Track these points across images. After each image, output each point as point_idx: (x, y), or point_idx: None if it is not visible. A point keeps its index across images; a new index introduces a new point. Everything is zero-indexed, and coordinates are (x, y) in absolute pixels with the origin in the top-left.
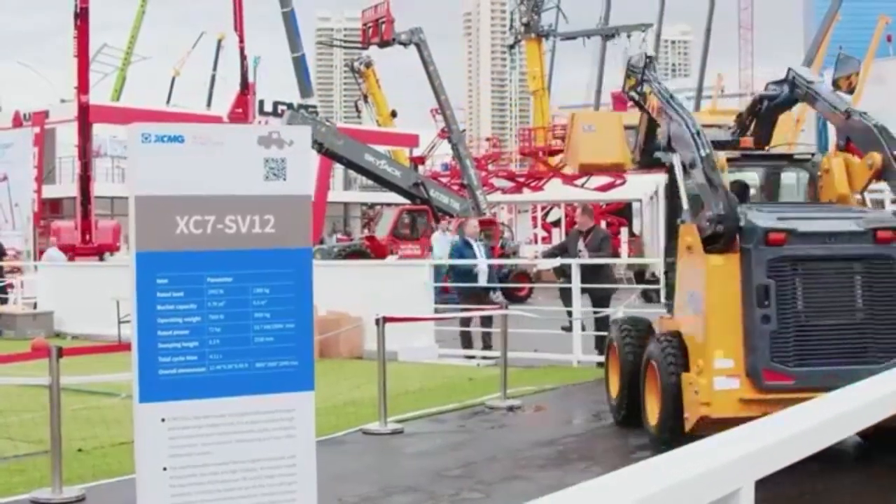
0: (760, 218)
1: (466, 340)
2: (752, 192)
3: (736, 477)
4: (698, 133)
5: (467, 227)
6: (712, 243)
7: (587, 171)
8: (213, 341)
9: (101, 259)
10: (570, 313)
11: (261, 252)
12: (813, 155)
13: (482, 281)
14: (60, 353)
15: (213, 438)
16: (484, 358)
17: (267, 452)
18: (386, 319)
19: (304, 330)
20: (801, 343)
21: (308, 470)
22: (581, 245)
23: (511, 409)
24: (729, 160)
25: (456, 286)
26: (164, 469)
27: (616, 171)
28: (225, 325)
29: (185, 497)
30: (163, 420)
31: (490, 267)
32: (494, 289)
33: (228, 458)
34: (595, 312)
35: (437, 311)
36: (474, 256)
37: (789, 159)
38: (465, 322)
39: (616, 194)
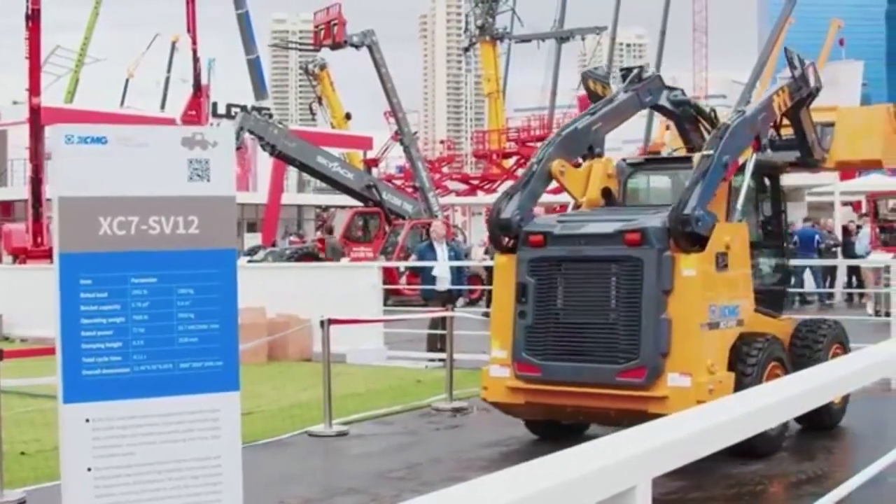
0: (538, 223)
1: (432, 343)
2: (646, 195)
3: (632, 474)
4: (549, 142)
5: (432, 230)
6: None
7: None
8: (137, 342)
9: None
10: None
11: (185, 253)
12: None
13: (442, 286)
14: (0, 355)
15: (138, 439)
16: (431, 360)
17: (192, 453)
18: (331, 321)
19: (229, 330)
20: (552, 338)
21: (233, 470)
22: None
23: (457, 410)
24: (634, 164)
25: (420, 289)
26: (89, 470)
27: (874, 167)
28: (149, 326)
29: (110, 498)
30: (87, 420)
31: (458, 272)
32: (460, 294)
33: (153, 459)
34: None
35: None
36: (436, 260)
37: (689, 162)
38: (433, 325)
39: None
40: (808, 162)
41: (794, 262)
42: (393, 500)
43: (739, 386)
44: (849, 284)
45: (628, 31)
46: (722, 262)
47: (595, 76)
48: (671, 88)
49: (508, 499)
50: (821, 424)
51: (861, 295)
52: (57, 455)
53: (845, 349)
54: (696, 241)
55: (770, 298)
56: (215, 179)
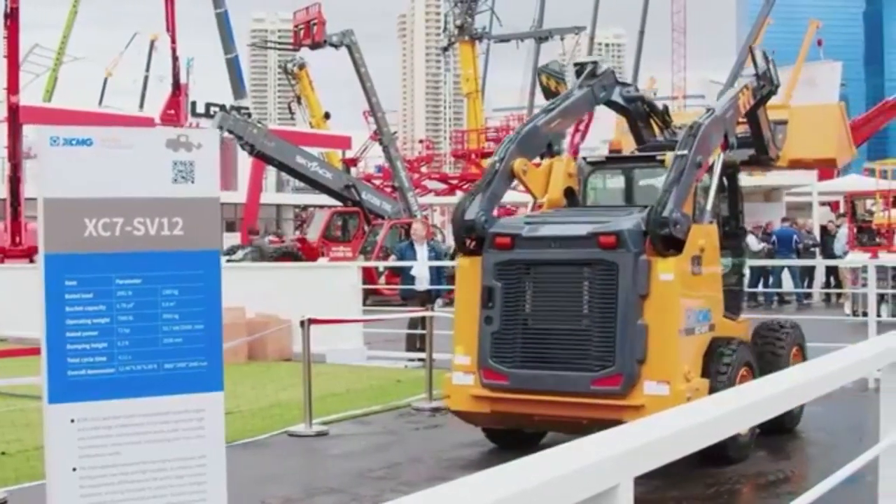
0: (504, 224)
1: (411, 343)
2: (608, 195)
3: (614, 473)
4: (510, 139)
5: (413, 231)
6: None
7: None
8: (122, 342)
9: (32, 261)
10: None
11: (169, 254)
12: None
13: (422, 285)
14: None
15: (123, 439)
16: (411, 360)
17: (177, 452)
18: (311, 321)
19: (213, 331)
20: (521, 345)
21: (218, 470)
22: None
23: (436, 410)
24: (594, 164)
25: (399, 289)
26: (74, 469)
27: (827, 166)
28: (134, 327)
29: (95, 497)
30: (72, 421)
31: (437, 272)
32: (439, 294)
33: (138, 459)
34: None
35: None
36: (415, 259)
37: (653, 161)
38: (412, 325)
39: None
40: (762, 160)
41: (772, 262)
42: (373, 499)
43: (713, 392)
44: (827, 284)
45: (607, 31)
46: (697, 265)
47: (549, 72)
48: (624, 84)
49: (491, 498)
50: (781, 427)
51: (839, 295)
52: (39, 455)
53: (803, 352)
54: (672, 244)
55: (729, 300)
56: (199, 181)
